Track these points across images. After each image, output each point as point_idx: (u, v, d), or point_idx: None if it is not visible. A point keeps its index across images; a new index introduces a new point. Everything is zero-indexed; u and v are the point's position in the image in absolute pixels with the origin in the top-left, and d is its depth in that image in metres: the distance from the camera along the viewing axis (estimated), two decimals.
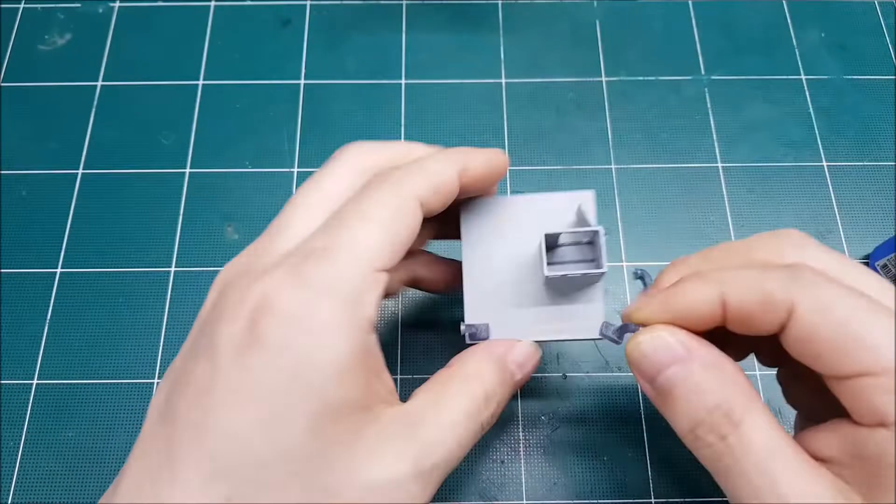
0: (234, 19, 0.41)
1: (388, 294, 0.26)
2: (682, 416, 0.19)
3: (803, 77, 0.39)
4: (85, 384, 0.32)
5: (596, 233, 0.23)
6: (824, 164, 0.37)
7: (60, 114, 0.38)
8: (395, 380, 0.32)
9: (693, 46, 0.40)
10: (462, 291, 0.25)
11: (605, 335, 0.23)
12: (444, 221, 0.26)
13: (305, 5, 0.41)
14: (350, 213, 0.21)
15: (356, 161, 0.22)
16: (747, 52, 0.40)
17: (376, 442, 0.19)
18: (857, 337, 0.17)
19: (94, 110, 0.38)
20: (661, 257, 0.35)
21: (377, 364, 0.20)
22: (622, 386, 0.32)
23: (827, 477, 0.18)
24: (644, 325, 0.21)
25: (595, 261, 0.24)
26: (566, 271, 0.22)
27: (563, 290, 0.24)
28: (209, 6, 0.41)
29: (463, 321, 0.24)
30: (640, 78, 0.39)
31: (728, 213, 0.36)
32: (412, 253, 0.27)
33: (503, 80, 0.39)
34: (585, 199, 0.24)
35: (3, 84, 0.39)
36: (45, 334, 0.33)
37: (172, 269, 0.34)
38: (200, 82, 0.39)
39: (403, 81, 0.39)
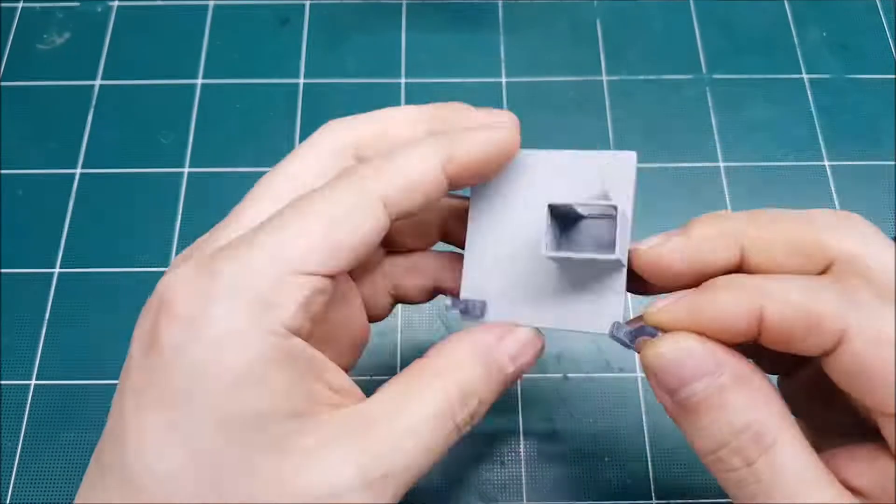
0: (232, 18, 0.41)
1: (407, 301, 0.24)
2: (705, 436, 0.17)
3: (805, 76, 0.39)
4: (83, 385, 0.32)
5: (614, 208, 0.19)
6: (826, 163, 0.37)
7: (59, 113, 0.38)
8: None
9: (694, 45, 0.40)
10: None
11: (615, 337, 0.20)
12: (456, 217, 0.23)
13: (304, 4, 0.41)
14: (294, 207, 0.19)
15: (331, 141, 0.21)
16: (748, 51, 0.40)
17: (316, 447, 0.17)
18: None
19: (92, 110, 0.38)
20: None
21: (312, 368, 0.18)
22: (623, 387, 0.32)
23: None
24: (664, 331, 0.19)
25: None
26: (570, 253, 0.19)
27: (578, 275, 0.21)
28: (208, 5, 0.41)
29: (450, 297, 0.22)
30: (641, 77, 0.39)
31: None
32: (433, 255, 0.24)
33: (503, 80, 0.39)
34: (622, 163, 0.20)
35: (1, 83, 0.39)
36: (43, 335, 0.33)
37: None
38: (199, 82, 0.39)
39: (403, 81, 0.39)
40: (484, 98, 0.38)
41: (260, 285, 0.17)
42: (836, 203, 0.36)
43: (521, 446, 0.31)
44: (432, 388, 0.19)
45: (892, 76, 0.39)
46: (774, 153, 0.37)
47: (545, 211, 0.19)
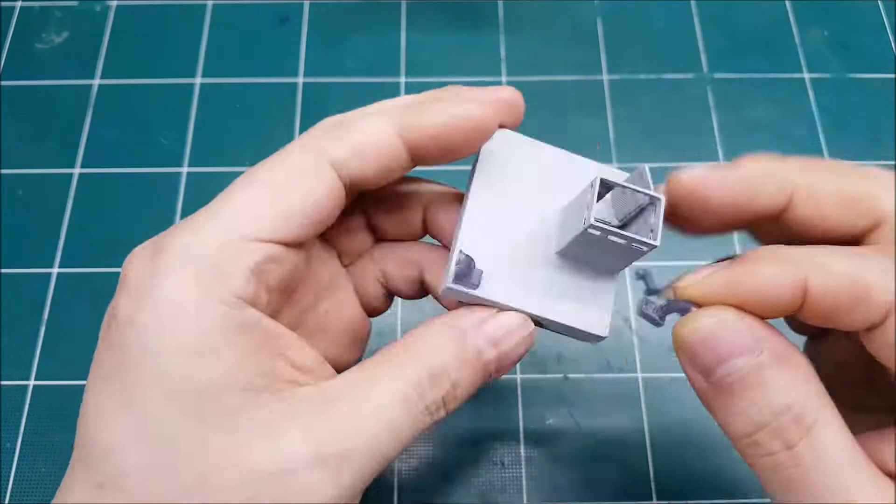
0: (231, 17, 0.41)
1: (397, 293, 0.24)
2: (742, 418, 0.16)
3: (806, 76, 0.39)
4: (83, 385, 0.31)
5: (658, 199, 0.18)
6: None
7: (57, 113, 0.38)
8: None
9: (695, 45, 0.40)
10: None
11: (644, 314, 0.19)
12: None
13: (304, 3, 0.41)
14: (244, 177, 0.19)
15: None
16: (750, 50, 0.40)
17: (270, 422, 0.17)
18: None
19: (91, 109, 0.38)
20: (664, 257, 0.34)
21: (270, 341, 0.18)
22: (624, 387, 0.32)
23: None
24: (698, 306, 0.17)
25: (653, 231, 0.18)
26: (613, 229, 0.18)
27: (577, 270, 0.20)
28: (207, 4, 0.41)
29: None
30: (642, 76, 0.39)
31: None
32: (422, 247, 0.24)
33: (503, 79, 0.39)
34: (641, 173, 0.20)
35: None
36: (41, 335, 0.33)
37: None
38: (198, 81, 0.39)
39: (403, 80, 0.39)
40: None
41: (209, 255, 0.17)
42: None
43: (522, 447, 0.31)
44: (401, 368, 0.18)
45: (893, 76, 0.39)
46: (775, 152, 0.37)
47: (595, 182, 0.18)
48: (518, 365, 0.32)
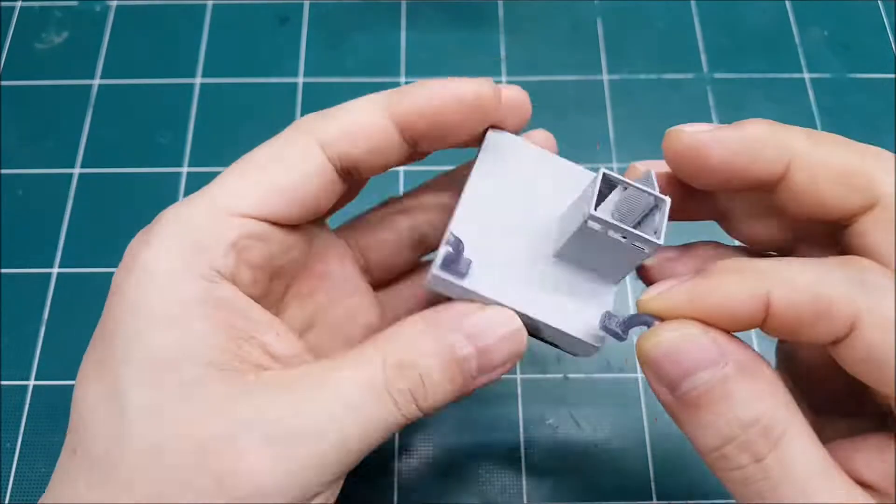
0: (231, 17, 0.41)
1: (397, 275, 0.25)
2: (709, 432, 0.16)
3: (806, 76, 0.39)
4: None
5: (663, 201, 0.18)
6: None
7: (57, 112, 0.38)
8: None
9: (695, 44, 0.40)
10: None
11: (606, 328, 0.19)
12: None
13: (303, 3, 0.41)
14: (239, 159, 0.20)
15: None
16: (750, 50, 0.40)
17: (226, 397, 0.16)
18: None
19: (91, 109, 0.38)
20: None
21: (242, 321, 0.18)
22: (624, 387, 0.32)
23: None
24: (661, 319, 0.17)
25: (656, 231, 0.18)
26: (615, 222, 0.17)
27: (572, 273, 0.20)
28: (207, 4, 0.41)
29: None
30: (642, 76, 0.39)
31: None
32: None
33: (503, 79, 0.39)
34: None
35: None
36: (41, 335, 0.33)
37: None
38: (198, 81, 0.39)
39: (403, 80, 0.39)
40: None
41: (193, 227, 0.18)
42: None
43: (522, 447, 0.31)
44: (367, 356, 0.18)
45: (893, 76, 0.39)
46: None
47: (597, 176, 0.18)
48: (518, 365, 0.32)
